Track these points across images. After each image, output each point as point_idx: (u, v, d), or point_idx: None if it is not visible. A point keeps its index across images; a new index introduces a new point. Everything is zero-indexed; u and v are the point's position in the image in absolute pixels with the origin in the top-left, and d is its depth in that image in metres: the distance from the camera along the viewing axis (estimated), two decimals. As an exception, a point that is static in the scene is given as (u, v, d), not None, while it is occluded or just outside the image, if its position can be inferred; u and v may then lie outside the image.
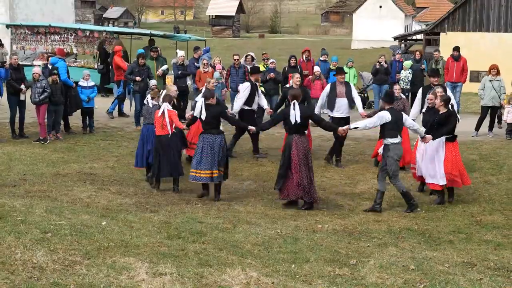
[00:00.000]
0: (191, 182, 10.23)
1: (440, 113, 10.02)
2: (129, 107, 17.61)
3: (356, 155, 13.69)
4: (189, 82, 18.05)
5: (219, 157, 9.93)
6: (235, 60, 16.60)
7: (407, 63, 18.19)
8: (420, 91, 11.92)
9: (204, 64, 16.60)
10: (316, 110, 12.70)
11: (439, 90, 10.78)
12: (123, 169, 11.96)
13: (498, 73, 15.42)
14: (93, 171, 11.63)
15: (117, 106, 17.68)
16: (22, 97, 14.36)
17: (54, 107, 14.14)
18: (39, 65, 16.52)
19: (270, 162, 12.62)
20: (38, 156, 12.63)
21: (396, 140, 9.55)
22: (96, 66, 21.87)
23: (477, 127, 15.57)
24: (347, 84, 12.82)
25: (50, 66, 15.18)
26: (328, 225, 8.65)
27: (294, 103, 9.72)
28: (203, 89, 11.90)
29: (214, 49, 30.65)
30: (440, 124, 9.94)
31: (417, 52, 19.64)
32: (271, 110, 13.03)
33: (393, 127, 9.51)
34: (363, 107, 13.12)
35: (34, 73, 13.91)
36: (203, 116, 9.99)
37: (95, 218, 7.92)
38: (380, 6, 72.18)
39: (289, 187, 9.67)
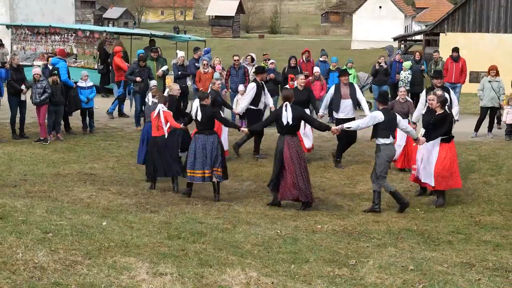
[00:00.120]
0: (190, 183, 10.27)
1: (436, 114, 10.03)
2: (129, 107, 17.64)
3: (356, 155, 13.72)
4: (189, 82, 18.08)
5: (212, 158, 9.97)
6: (235, 61, 16.64)
7: (407, 64, 18.20)
8: (424, 92, 11.95)
9: (204, 64, 16.64)
10: (321, 111, 12.80)
11: (439, 92, 10.80)
12: (123, 170, 12.00)
13: (497, 74, 15.44)
14: (93, 171, 11.67)
15: (117, 106, 17.71)
16: (22, 98, 14.39)
17: (54, 107, 14.17)
18: (39, 66, 16.55)
19: (270, 163, 12.56)
20: (38, 157, 12.66)
21: (388, 140, 9.56)
22: (96, 67, 21.90)
23: (477, 128, 15.59)
24: (351, 85, 12.88)
25: (50, 67, 15.22)
26: (327, 226, 8.68)
27: (286, 104, 9.75)
28: (209, 90, 12.08)
29: (214, 50, 30.66)
30: (435, 125, 9.95)
31: (417, 53, 19.63)
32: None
33: (386, 128, 9.52)
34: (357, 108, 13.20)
35: (34, 74, 13.93)
36: (199, 117, 10.04)
37: (96, 218, 7.95)
38: (380, 7, 72.17)
39: (285, 188, 9.70)
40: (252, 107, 13.30)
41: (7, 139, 14.24)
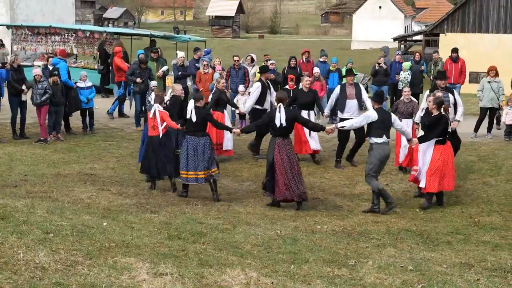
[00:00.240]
0: (185, 184, 10.30)
1: (432, 115, 10.01)
2: (129, 108, 17.66)
3: (355, 156, 13.71)
4: (189, 83, 18.11)
5: (205, 160, 10.00)
6: (235, 61, 16.66)
7: (407, 64, 18.21)
8: (426, 93, 11.96)
9: (204, 65, 16.67)
10: (326, 111, 13.09)
11: (439, 94, 10.81)
12: (124, 170, 12.02)
13: (496, 74, 15.44)
14: (93, 171, 11.69)
15: (117, 107, 17.74)
16: (23, 98, 14.41)
17: (54, 108, 14.19)
18: (39, 66, 16.56)
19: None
20: (39, 157, 12.68)
21: (381, 140, 9.57)
22: (96, 67, 21.92)
23: (476, 129, 15.61)
24: (356, 86, 12.95)
25: (50, 67, 15.24)
26: (327, 226, 8.70)
27: (279, 106, 9.78)
28: (214, 89, 12.21)
29: (214, 50, 30.62)
30: (430, 126, 9.93)
31: (417, 54, 19.65)
32: None
33: (380, 127, 9.54)
34: None
35: (35, 75, 13.94)
36: (193, 118, 10.07)
37: (96, 219, 7.98)
38: (380, 7, 72.19)
39: (279, 189, 9.73)
40: (258, 106, 13.33)
41: (7, 140, 14.26)
